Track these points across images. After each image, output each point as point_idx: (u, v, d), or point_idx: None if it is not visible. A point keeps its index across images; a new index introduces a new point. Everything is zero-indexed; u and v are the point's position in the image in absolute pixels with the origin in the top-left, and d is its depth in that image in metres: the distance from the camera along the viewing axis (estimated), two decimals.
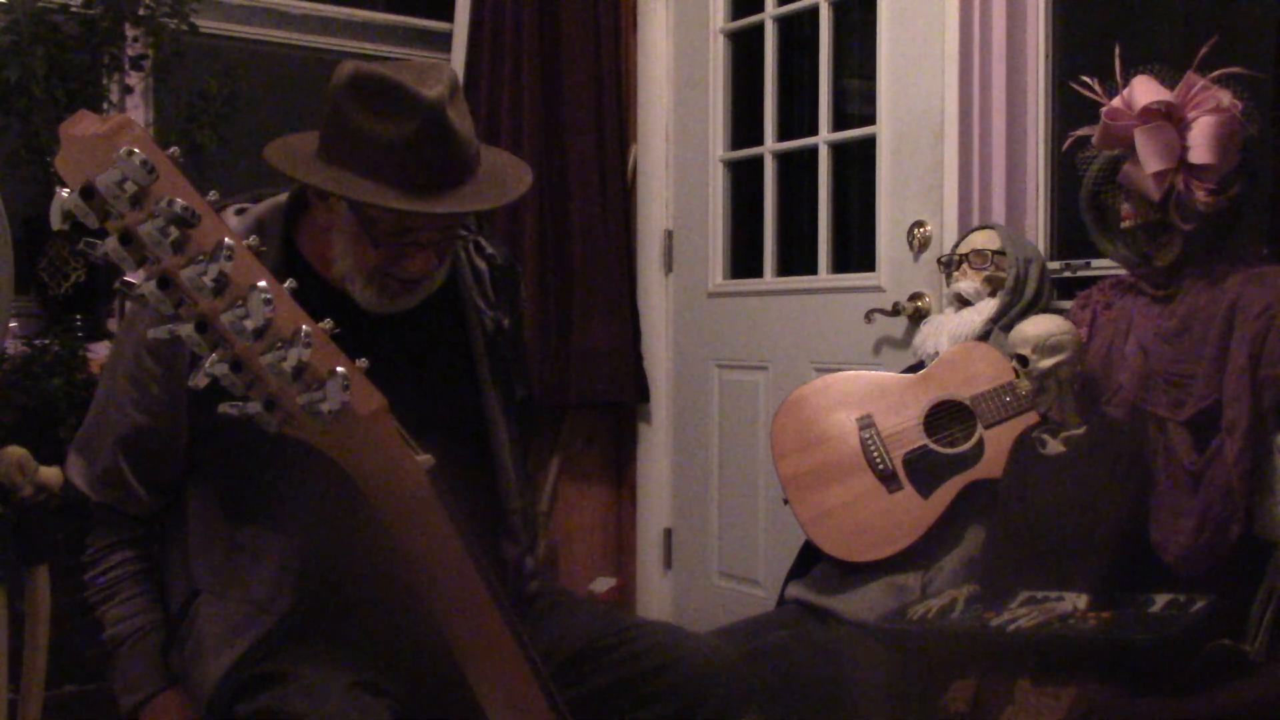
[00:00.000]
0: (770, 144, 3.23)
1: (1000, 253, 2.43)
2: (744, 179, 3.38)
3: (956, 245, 2.53)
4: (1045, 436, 2.11)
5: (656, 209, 3.53)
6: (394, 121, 1.35)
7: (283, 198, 1.53)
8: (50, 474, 1.63)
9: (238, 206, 1.52)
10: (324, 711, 1.33)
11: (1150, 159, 1.97)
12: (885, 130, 2.87)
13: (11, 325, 2.58)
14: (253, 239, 1.01)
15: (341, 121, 1.38)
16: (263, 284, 0.97)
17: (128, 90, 2.85)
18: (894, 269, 2.85)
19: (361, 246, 1.43)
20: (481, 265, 1.65)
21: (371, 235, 1.41)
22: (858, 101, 3.17)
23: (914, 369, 2.44)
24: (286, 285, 1.01)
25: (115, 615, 1.50)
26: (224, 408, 1.02)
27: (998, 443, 2.20)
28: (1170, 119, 1.97)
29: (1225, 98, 1.97)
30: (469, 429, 1.60)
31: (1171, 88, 1.99)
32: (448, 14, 3.44)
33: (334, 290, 1.47)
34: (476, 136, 1.44)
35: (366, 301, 1.46)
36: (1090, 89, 2.10)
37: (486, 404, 1.60)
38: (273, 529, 1.44)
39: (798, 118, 3.27)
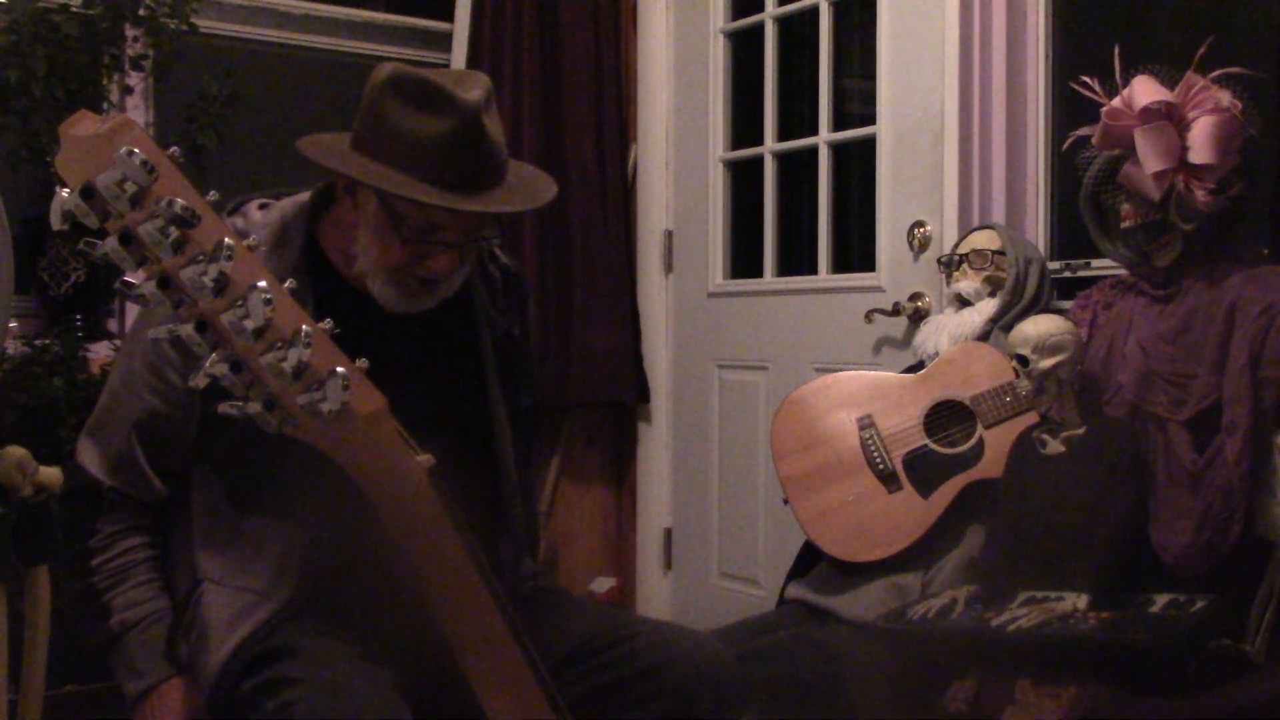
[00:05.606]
0: (770, 144, 3.23)
1: (1000, 253, 2.43)
2: (744, 179, 3.38)
3: (956, 245, 2.53)
4: (1045, 436, 2.11)
5: (656, 209, 3.53)
6: (431, 119, 1.37)
7: (305, 195, 1.53)
8: (50, 474, 1.63)
9: (261, 201, 1.53)
10: (328, 678, 1.34)
11: (1150, 159, 1.97)
12: (885, 130, 2.87)
13: (11, 325, 2.58)
14: (252, 238, 1.01)
15: (378, 117, 1.40)
16: (263, 284, 0.97)
17: (128, 90, 2.85)
18: (894, 269, 2.85)
19: (386, 242, 1.44)
20: (495, 272, 1.66)
21: (398, 231, 1.42)
22: (858, 101, 3.17)
23: (914, 369, 2.44)
24: (286, 285, 1.01)
25: (124, 601, 1.49)
26: (224, 408, 1.02)
27: (998, 443, 2.20)
28: (1170, 119, 1.97)
29: (1225, 98, 1.97)
30: (475, 432, 1.60)
31: (1171, 88, 1.99)
32: (448, 14, 3.44)
33: (352, 289, 1.49)
34: (506, 146, 1.46)
35: (385, 300, 1.47)
36: (1090, 89, 2.10)
37: (493, 408, 1.61)
38: (277, 519, 1.45)
39: (798, 118, 3.27)
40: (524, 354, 1.73)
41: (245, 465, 1.45)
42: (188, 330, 0.97)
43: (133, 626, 1.48)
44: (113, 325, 2.91)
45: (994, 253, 2.43)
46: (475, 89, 1.40)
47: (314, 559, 1.45)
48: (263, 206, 1.52)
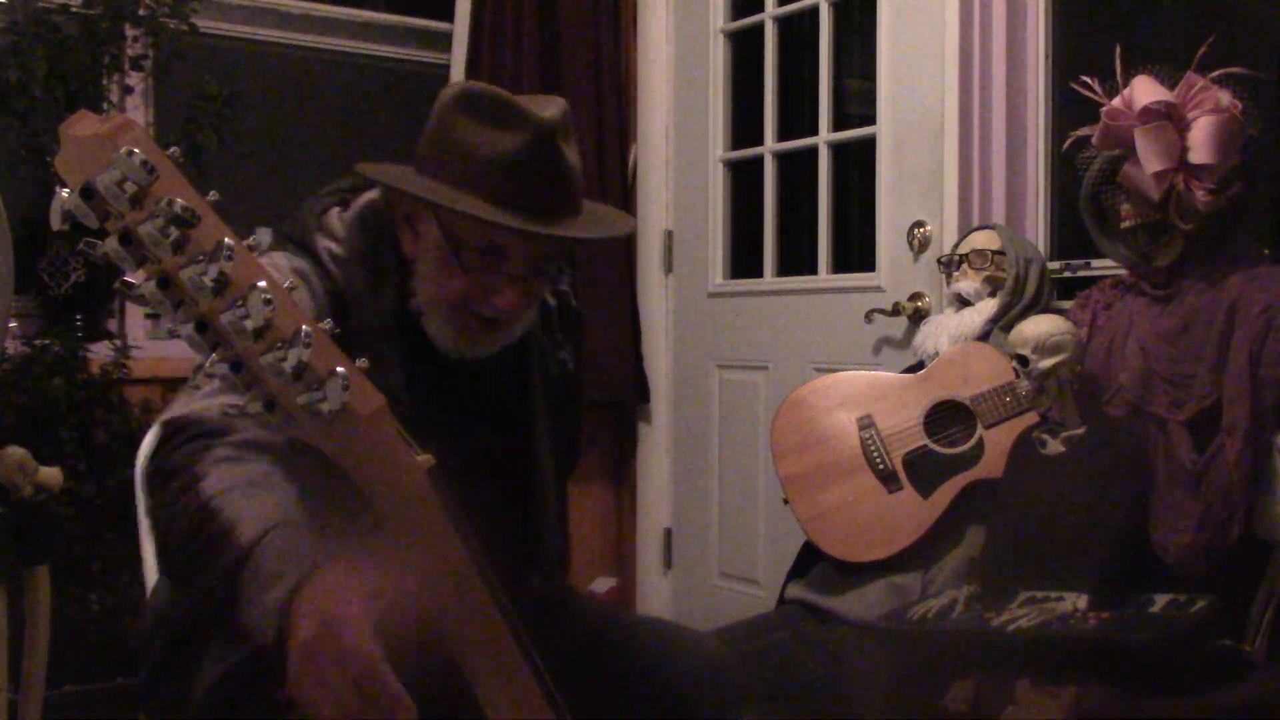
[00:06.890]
0: (770, 144, 3.23)
1: (1000, 253, 2.43)
2: (744, 179, 3.38)
3: (956, 245, 2.53)
4: (1045, 436, 2.11)
5: (656, 209, 3.53)
6: (501, 135, 1.29)
7: (374, 195, 1.42)
8: (50, 474, 1.63)
9: (335, 209, 1.42)
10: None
11: (1150, 159, 1.97)
12: (885, 130, 2.87)
13: (11, 325, 2.58)
14: (252, 239, 1.01)
15: (446, 134, 1.32)
16: (263, 284, 0.97)
17: (128, 90, 2.85)
18: (894, 269, 2.85)
19: (447, 273, 1.33)
20: (552, 301, 1.58)
21: (460, 258, 1.33)
22: (858, 101, 3.17)
23: (914, 369, 2.44)
24: (287, 286, 1.01)
25: (256, 506, 1.10)
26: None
27: (998, 443, 2.20)
28: (1170, 119, 1.97)
29: (1225, 98, 1.97)
30: (515, 466, 1.54)
31: (1171, 88, 2.00)
32: (448, 14, 3.44)
33: (415, 325, 1.38)
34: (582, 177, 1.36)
35: (442, 341, 1.37)
36: (1090, 89, 2.10)
37: (536, 443, 1.54)
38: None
39: (798, 118, 3.27)
40: (574, 386, 1.64)
41: None
42: (188, 330, 0.97)
43: (269, 530, 1.08)
44: (112, 325, 2.91)
45: (994, 253, 2.43)
46: (552, 107, 1.32)
47: None
48: (341, 204, 1.42)
